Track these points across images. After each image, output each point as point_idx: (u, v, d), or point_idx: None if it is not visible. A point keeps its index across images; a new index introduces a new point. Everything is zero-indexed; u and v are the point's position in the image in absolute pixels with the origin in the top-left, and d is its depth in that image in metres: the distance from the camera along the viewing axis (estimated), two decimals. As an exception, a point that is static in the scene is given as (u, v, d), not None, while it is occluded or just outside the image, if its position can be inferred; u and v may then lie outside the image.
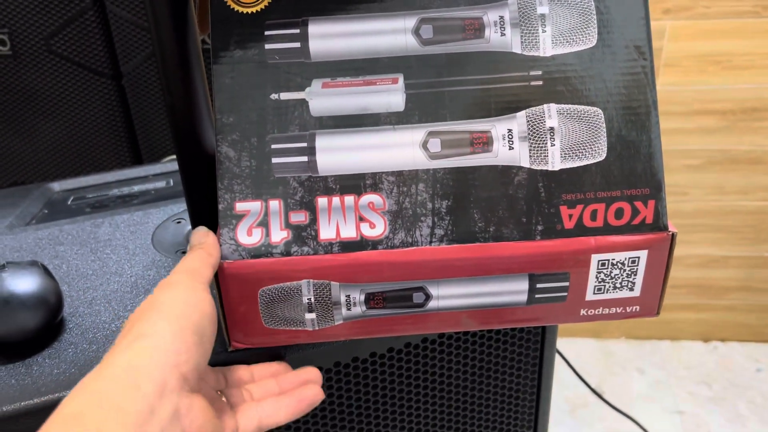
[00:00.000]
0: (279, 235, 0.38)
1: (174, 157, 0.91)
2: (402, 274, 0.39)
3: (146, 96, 1.06)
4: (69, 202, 0.73)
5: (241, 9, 0.39)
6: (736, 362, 1.54)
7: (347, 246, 0.38)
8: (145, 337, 0.32)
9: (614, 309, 0.41)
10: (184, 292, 0.35)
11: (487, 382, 0.54)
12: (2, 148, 1.11)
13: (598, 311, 0.41)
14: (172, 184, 0.76)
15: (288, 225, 0.38)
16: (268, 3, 0.39)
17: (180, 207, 0.62)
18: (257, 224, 0.38)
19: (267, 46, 0.39)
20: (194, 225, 0.55)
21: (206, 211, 0.53)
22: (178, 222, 0.59)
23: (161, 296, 0.35)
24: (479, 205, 0.39)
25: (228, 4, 0.39)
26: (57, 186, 0.80)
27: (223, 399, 0.38)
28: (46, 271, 0.46)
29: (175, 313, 0.34)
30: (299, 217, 0.38)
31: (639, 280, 0.40)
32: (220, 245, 0.38)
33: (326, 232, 0.38)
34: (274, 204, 0.38)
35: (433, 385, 0.53)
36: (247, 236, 0.38)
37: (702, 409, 1.42)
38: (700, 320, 1.59)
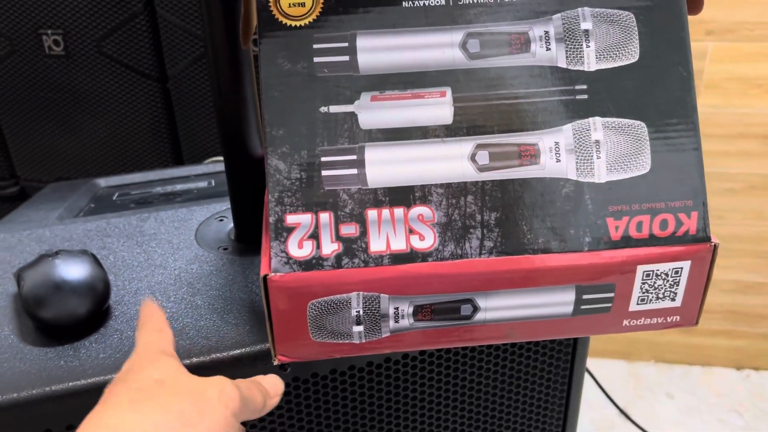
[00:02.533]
0: (330, 247, 0.38)
1: (216, 158, 0.94)
2: (452, 286, 0.39)
3: (190, 99, 1.09)
4: (114, 198, 0.75)
5: (289, 23, 0.40)
6: (770, 392, 1.50)
7: (397, 258, 0.39)
8: None
9: (656, 319, 0.42)
10: None
11: (516, 392, 0.55)
12: (50, 144, 1.14)
13: (641, 321, 0.42)
14: (213, 184, 0.78)
15: (338, 237, 0.39)
16: (316, 17, 0.40)
17: (222, 206, 0.63)
18: (308, 237, 0.39)
19: (316, 60, 0.39)
20: (237, 223, 0.57)
21: (250, 210, 0.55)
22: (221, 220, 0.61)
23: None
24: (528, 218, 0.39)
25: (276, 17, 0.39)
26: (103, 182, 0.82)
27: None
28: (95, 260, 0.48)
29: None
30: (349, 230, 0.39)
31: (681, 290, 0.40)
32: (272, 258, 0.38)
33: (376, 244, 0.39)
34: (325, 216, 0.39)
35: (461, 394, 0.53)
36: (298, 249, 0.38)
37: (732, 437, 1.39)
38: (734, 347, 1.56)
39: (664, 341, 1.58)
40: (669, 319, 0.42)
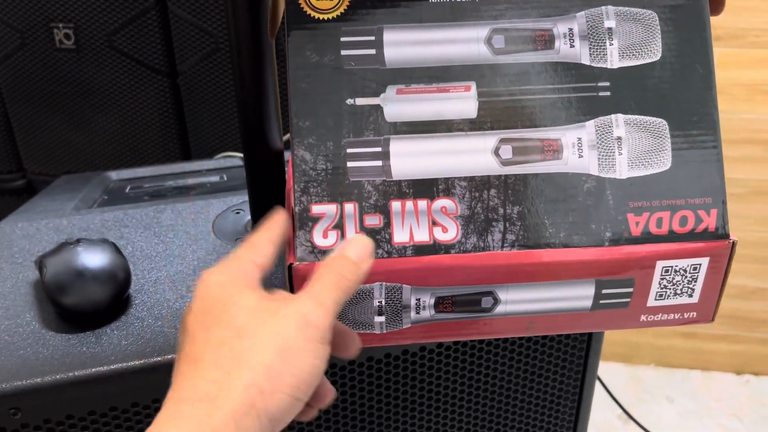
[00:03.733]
0: None
1: (227, 154, 0.94)
2: (474, 278, 0.40)
3: (200, 95, 1.09)
4: (127, 191, 0.76)
5: (317, 16, 0.40)
6: (770, 397, 1.51)
7: (420, 250, 0.39)
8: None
9: (673, 315, 0.42)
10: None
11: (530, 386, 0.55)
12: (58, 137, 1.15)
13: (658, 317, 0.42)
14: (225, 179, 0.78)
15: (363, 228, 0.39)
16: (344, 10, 0.40)
17: (239, 199, 0.64)
18: (333, 227, 0.39)
19: (343, 52, 0.40)
20: (254, 216, 0.58)
21: (268, 203, 0.55)
22: (238, 212, 0.61)
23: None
24: (549, 212, 0.40)
25: (305, 10, 0.40)
26: (114, 175, 0.83)
27: None
28: (116, 249, 0.49)
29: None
30: (374, 221, 0.39)
31: (698, 286, 0.41)
32: (297, 247, 0.39)
33: (400, 235, 0.39)
34: (349, 207, 0.39)
35: (477, 387, 0.54)
36: (323, 239, 0.39)
37: (732, 442, 1.39)
38: (734, 352, 1.56)
39: (664, 345, 1.58)
40: (686, 315, 0.42)
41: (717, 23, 1.26)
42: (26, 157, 1.18)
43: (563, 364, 0.54)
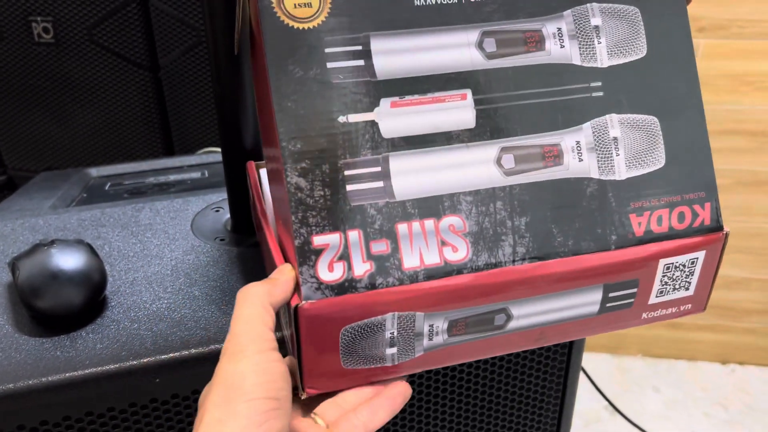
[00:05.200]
0: (362, 267, 0.36)
1: (208, 149, 0.93)
2: (488, 297, 0.38)
3: (182, 89, 1.08)
4: (107, 188, 0.74)
5: (296, 25, 0.36)
6: (754, 386, 1.52)
7: (432, 273, 0.37)
8: (225, 423, 0.31)
9: (671, 309, 0.42)
10: (254, 360, 0.33)
11: (513, 384, 0.55)
12: (39, 133, 1.13)
13: (658, 313, 0.42)
14: (207, 175, 0.77)
15: (370, 256, 0.36)
16: (325, 18, 0.37)
17: (218, 196, 0.63)
18: (338, 258, 0.36)
19: (329, 65, 0.36)
20: (234, 214, 0.57)
21: (246, 201, 0.55)
22: (217, 210, 0.60)
23: (231, 370, 0.33)
24: (556, 219, 0.38)
25: (282, 20, 0.36)
26: (94, 172, 0.81)
27: (318, 421, 0.37)
28: (91, 250, 0.48)
29: (251, 390, 0.32)
30: (380, 247, 0.36)
31: (695, 279, 0.41)
32: (301, 285, 0.35)
33: (410, 260, 0.37)
34: (354, 235, 0.36)
35: (459, 394, 0.53)
36: (329, 272, 0.35)
37: (717, 431, 1.40)
38: (719, 342, 1.57)
39: (650, 335, 1.59)
40: (682, 308, 0.42)
41: (702, 14, 1.26)
42: (6, 153, 1.16)
43: (546, 362, 0.54)
